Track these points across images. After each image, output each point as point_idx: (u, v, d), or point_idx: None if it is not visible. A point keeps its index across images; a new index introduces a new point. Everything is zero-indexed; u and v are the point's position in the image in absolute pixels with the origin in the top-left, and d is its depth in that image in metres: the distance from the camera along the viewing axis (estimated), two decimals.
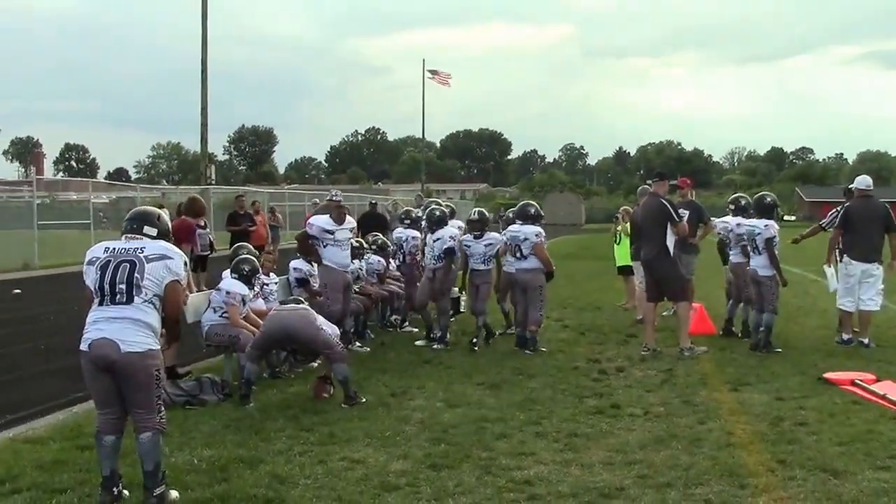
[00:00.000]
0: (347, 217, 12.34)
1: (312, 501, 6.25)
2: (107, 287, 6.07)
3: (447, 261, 12.83)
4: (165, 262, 6.16)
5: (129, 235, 6.30)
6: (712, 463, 7.04)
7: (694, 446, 7.54)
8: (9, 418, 8.81)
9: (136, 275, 6.06)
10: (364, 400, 9.13)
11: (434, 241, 12.89)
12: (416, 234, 14.18)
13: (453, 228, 13.51)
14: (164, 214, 6.69)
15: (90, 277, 6.19)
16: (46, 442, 7.73)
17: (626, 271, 16.49)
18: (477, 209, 13.87)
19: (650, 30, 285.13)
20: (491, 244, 12.67)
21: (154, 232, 6.35)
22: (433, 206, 13.88)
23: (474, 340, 12.54)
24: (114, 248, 6.21)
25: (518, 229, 12.46)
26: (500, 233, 13.07)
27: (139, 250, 6.17)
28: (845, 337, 12.71)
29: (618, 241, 16.75)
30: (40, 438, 7.87)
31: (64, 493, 6.36)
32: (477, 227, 12.81)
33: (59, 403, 9.40)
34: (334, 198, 12.46)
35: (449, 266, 12.93)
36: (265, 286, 11.37)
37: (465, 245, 12.78)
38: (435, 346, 12.51)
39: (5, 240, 29.65)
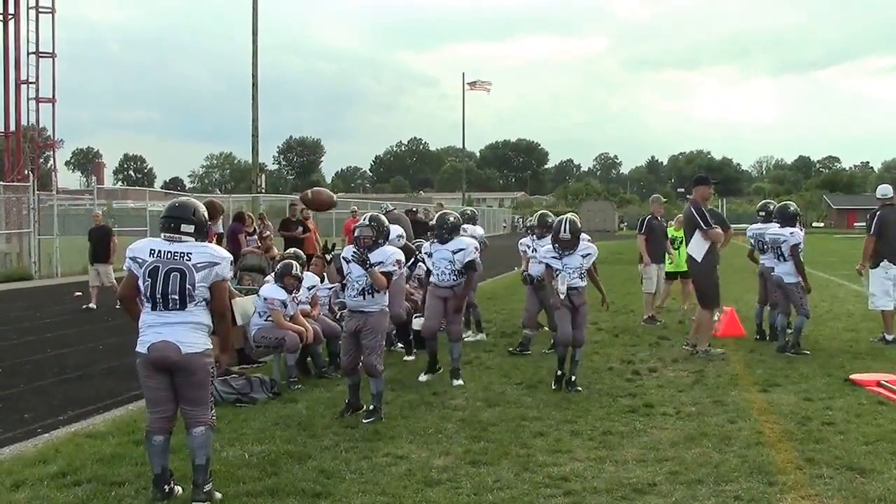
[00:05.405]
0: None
1: (358, 495, 6.38)
2: (159, 297, 6.15)
3: (469, 276, 10.80)
4: (214, 269, 6.21)
5: (168, 235, 6.28)
6: (741, 461, 7.15)
7: (724, 444, 7.67)
8: (70, 414, 9.16)
9: (187, 285, 6.13)
10: (382, 418, 8.69)
11: (455, 253, 10.59)
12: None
13: (469, 238, 11.50)
14: (201, 207, 6.54)
15: (139, 279, 6.23)
16: (105, 437, 8.00)
17: (685, 275, 16.55)
18: (568, 216, 10.55)
19: (687, 42, 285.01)
20: (589, 254, 10.38)
21: (191, 228, 6.29)
22: (446, 212, 11.46)
23: (573, 378, 10.18)
24: (160, 252, 6.20)
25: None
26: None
27: (186, 257, 6.18)
28: (889, 337, 12.94)
29: (677, 246, 16.85)
30: (100, 433, 8.16)
31: (122, 486, 6.58)
32: (570, 242, 10.24)
33: (117, 400, 9.77)
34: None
35: (470, 282, 11.02)
36: (316, 291, 11.45)
37: (555, 258, 10.26)
38: (455, 383, 10.38)
39: (68, 245, 30.43)
